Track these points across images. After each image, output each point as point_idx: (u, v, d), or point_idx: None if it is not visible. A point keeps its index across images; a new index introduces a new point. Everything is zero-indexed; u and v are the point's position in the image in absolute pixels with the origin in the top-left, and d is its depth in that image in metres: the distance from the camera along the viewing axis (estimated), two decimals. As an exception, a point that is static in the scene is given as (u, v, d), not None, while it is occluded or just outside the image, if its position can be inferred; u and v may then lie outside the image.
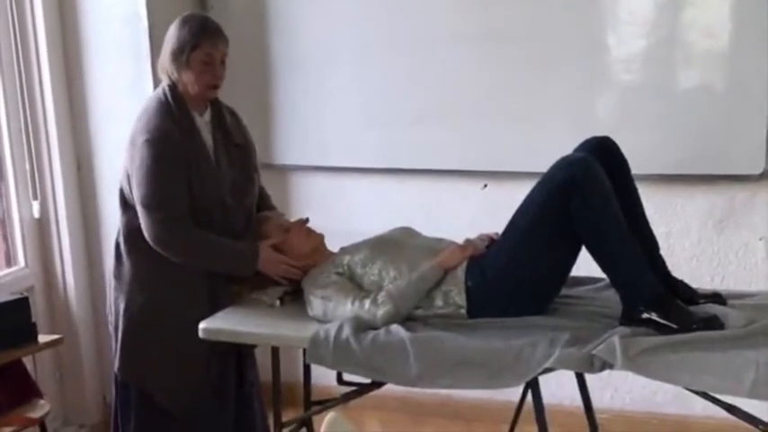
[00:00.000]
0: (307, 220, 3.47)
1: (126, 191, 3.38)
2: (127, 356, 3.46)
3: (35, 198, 4.40)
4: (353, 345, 2.94)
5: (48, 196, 4.43)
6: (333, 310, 3.12)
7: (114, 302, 3.48)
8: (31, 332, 3.70)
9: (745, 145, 4.01)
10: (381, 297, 3.06)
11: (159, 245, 3.27)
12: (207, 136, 3.40)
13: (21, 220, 4.35)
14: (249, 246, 3.36)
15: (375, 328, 3.01)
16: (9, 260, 4.37)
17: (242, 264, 3.36)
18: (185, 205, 3.27)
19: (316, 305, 3.18)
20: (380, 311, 3.03)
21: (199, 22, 3.31)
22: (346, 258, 3.25)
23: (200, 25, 3.29)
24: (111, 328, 3.53)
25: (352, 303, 3.08)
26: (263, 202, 3.64)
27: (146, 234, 3.27)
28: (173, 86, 3.32)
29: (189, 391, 3.42)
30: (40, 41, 4.30)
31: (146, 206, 3.26)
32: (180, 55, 3.28)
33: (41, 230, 4.46)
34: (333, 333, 2.99)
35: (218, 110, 3.46)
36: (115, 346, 3.50)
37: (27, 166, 4.36)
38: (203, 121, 3.41)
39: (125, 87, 4.34)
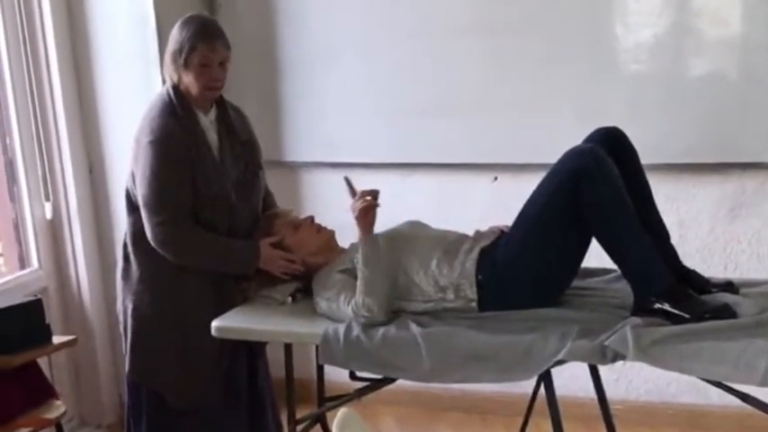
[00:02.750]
0: (312, 219, 3.48)
1: (132, 192, 3.39)
2: (136, 356, 3.49)
3: (47, 199, 4.42)
4: (364, 342, 2.96)
5: (60, 197, 4.44)
6: (336, 311, 3.14)
7: (123, 303, 3.50)
8: (46, 333, 3.71)
9: (755, 132, 4.00)
10: (357, 294, 3.07)
11: (160, 246, 3.29)
12: (211, 134, 3.41)
13: (33, 222, 4.37)
14: (249, 244, 3.38)
15: (383, 324, 3.03)
16: (23, 262, 4.39)
17: (242, 262, 3.37)
18: (187, 206, 3.29)
19: (321, 306, 3.21)
20: (364, 308, 3.03)
21: (198, 23, 3.29)
22: (356, 256, 3.25)
23: (198, 27, 3.27)
24: (120, 329, 3.56)
25: (348, 305, 3.09)
26: (268, 202, 3.65)
27: (147, 235, 3.29)
28: (176, 86, 3.33)
29: (198, 390, 3.43)
30: (49, 45, 4.31)
31: (147, 207, 3.28)
32: (178, 57, 3.28)
33: (54, 232, 4.47)
34: (342, 332, 3.00)
35: (223, 108, 3.47)
36: (125, 347, 3.52)
37: (39, 169, 4.38)
38: (208, 119, 3.41)
39: (134, 89, 4.35)
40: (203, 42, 3.25)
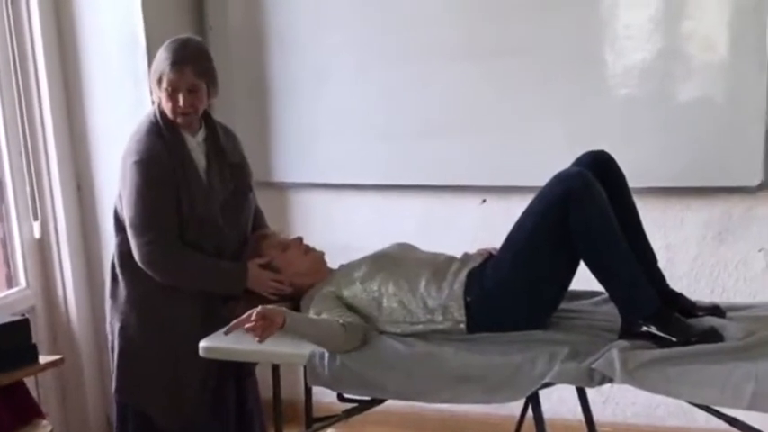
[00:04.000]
0: (301, 240, 3.48)
1: (119, 212, 3.39)
2: (123, 376, 3.49)
3: (36, 218, 4.40)
4: (350, 365, 2.97)
5: (48, 217, 4.43)
6: None
7: (110, 323, 3.51)
8: (33, 353, 3.69)
9: (742, 157, 4.01)
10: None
11: (147, 266, 3.29)
12: (199, 156, 3.41)
13: (21, 241, 4.35)
14: (237, 265, 3.38)
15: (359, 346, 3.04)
16: (10, 281, 4.37)
17: (231, 283, 3.37)
18: (174, 227, 3.29)
19: None
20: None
21: (174, 47, 3.29)
22: (343, 279, 3.26)
23: (172, 52, 3.27)
24: (108, 348, 3.56)
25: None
26: (257, 222, 3.64)
27: (135, 255, 3.29)
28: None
29: (185, 411, 3.43)
30: (39, 64, 4.31)
31: (134, 228, 3.29)
32: (152, 78, 3.32)
33: (42, 251, 4.46)
34: (327, 354, 3.01)
35: (213, 129, 3.47)
36: (112, 367, 3.52)
37: (27, 187, 4.36)
38: (196, 140, 3.42)
39: (124, 109, 4.34)
40: (171, 67, 3.25)
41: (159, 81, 3.27)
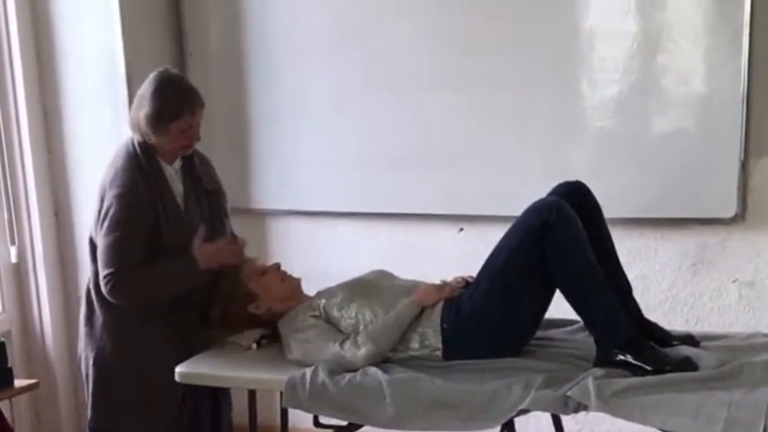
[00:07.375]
0: (278, 266, 3.49)
1: (94, 240, 3.39)
2: (98, 403, 3.48)
3: (13, 243, 4.40)
4: (330, 387, 2.97)
5: (25, 241, 4.43)
6: (314, 353, 3.13)
7: (84, 350, 3.49)
8: (8, 377, 3.69)
9: (717, 188, 4.04)
10: (361, 338, 3.08)
11: (110, 297, 3.30)
12: (177, 184, 3.43)
13: (-2, 265, 4.36)
14: (183, 258, 3.33)
15: (353, 370, 3.03)
16: (-14, 305, 4.37)
17: (188, 276, 3.34)
18: (140, 260, 3.26)
19: (295, 348, 3.19)
20: (361, 352, 3.05)
21: (179, 91, 3.32)
22: (322, 302, 3.27)
23: (180, 95, 3.30)
24: (83, 376, 3.54)
25: (334, 345, 3.09)
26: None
27: (100, 285, 3.29)
28: (142, 140, 3.35)
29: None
30: (18, 91, 4.33)
31: (100, 259, 3.29)
32: (158, 122, 3.28)
33: (19, 275, 4.45)
34: (309, 377, 3.00)
35: (189, 157, 3.48)
36: (87, 394, 3.50)
37: (5, 212, 4.36)
38: (173, 169, 3.43)
39: (103, 136, 4.35)
40: (187, 111, 3.29)
41: (169, 124, 3.27)
